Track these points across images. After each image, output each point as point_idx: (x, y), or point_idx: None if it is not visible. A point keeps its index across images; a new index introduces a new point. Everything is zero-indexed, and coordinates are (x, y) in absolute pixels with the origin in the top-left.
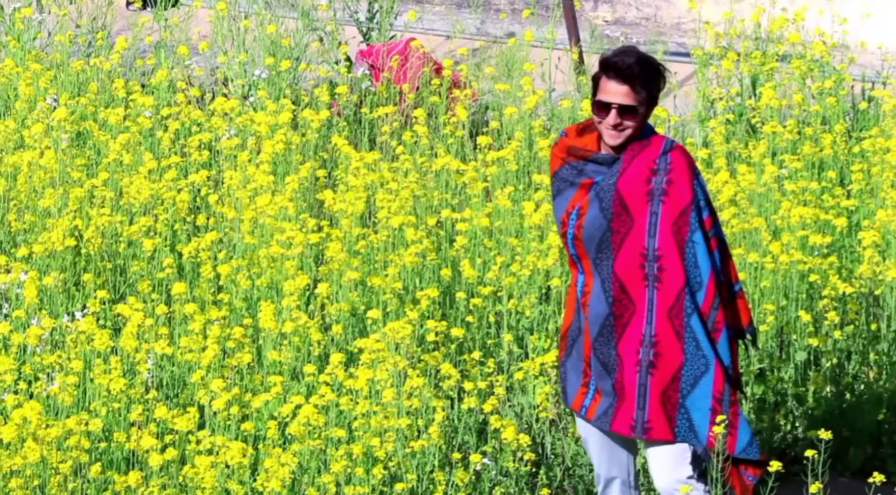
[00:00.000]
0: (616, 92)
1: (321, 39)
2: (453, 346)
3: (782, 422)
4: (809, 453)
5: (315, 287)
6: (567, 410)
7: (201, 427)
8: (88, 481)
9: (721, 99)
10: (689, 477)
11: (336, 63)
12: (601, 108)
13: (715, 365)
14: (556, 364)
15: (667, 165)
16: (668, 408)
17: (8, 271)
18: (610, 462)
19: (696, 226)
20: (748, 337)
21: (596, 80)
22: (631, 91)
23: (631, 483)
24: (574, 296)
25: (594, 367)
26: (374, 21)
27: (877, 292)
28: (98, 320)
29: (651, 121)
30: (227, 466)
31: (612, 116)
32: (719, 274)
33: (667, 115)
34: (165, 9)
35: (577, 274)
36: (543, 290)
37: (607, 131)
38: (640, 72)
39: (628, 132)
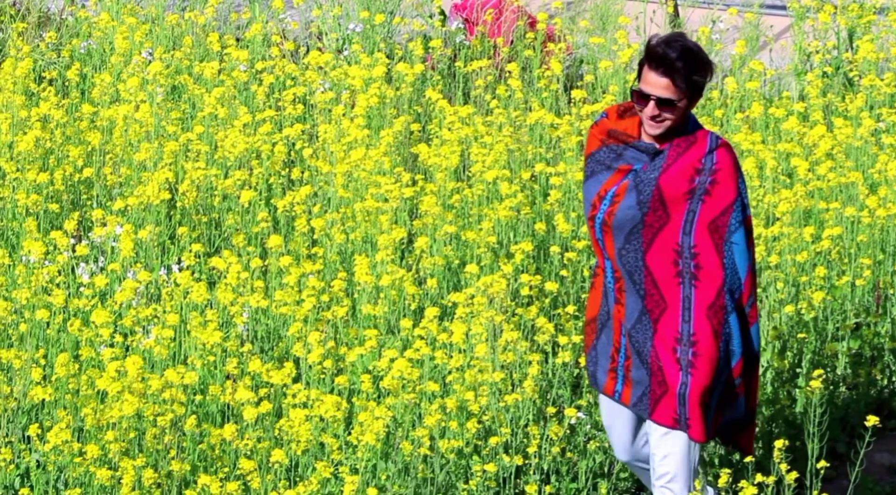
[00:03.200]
0: (656, 84)
1: None
2: (547, 300)
3: (878, 377)
4: None
5: (409, 241)
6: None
7: (296, 380)
8: (184, 434)
9: (818, 52)
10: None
11: (430, 17)
12: (641, 97)
13: (740, 358)
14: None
15: (712, 165)
16: (705, 411)
17: (104, 224)
18: (637, 447)
19: (736, 225)
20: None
21: (641, 66)
22: (671, 84)
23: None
24: (601, 281)
25: (632, 356)
26: None
27: None
28: (193, 274)
29: (747, 73)
30: (322, 419)
31: (651, 108)
32: (756, 272)
33: (763, 68)
34: None
35: (603, 260)
36: None
37: (647, 121)
38: (682, 66)
39: (667, 123)
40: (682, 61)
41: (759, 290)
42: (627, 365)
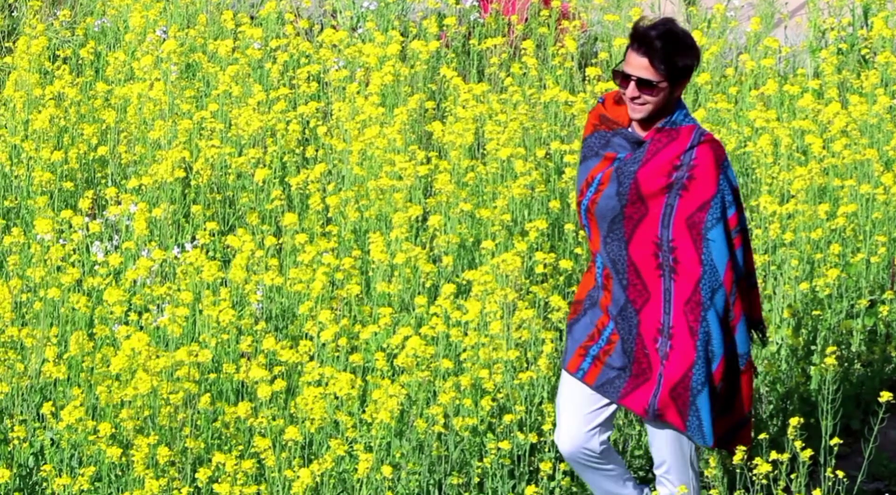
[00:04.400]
0: (636, 64)
1: None
2: (562, 278)
3: (893, 354)
4: None
5: (423, 219)
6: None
7: (310, 358)
8: (198, 412)
9: (832, 29)
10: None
11: None
12: (623, 78)
13: (721, 359)
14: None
15: (691, 161)
16: (680, 404)
17: (118, 203)
18: (582, 434)
19: (713, 222)
20: (759, 330)
21: (627, 49)
22: (650, 65)
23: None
24: (594, 267)
25: (615, 342)
26: None
27: None
28: (207, 252)
29: (762, 51)
30: (336, 397)
31: (631, 88)
32: (739, 270)
33: (777, 45)
34: None
35: (592, 249)
36: None
37: (629, 103)
38: (662, 47)
39: (648, 107)
40: (662, 41)
41: (773, 268)
42: (606, 349)
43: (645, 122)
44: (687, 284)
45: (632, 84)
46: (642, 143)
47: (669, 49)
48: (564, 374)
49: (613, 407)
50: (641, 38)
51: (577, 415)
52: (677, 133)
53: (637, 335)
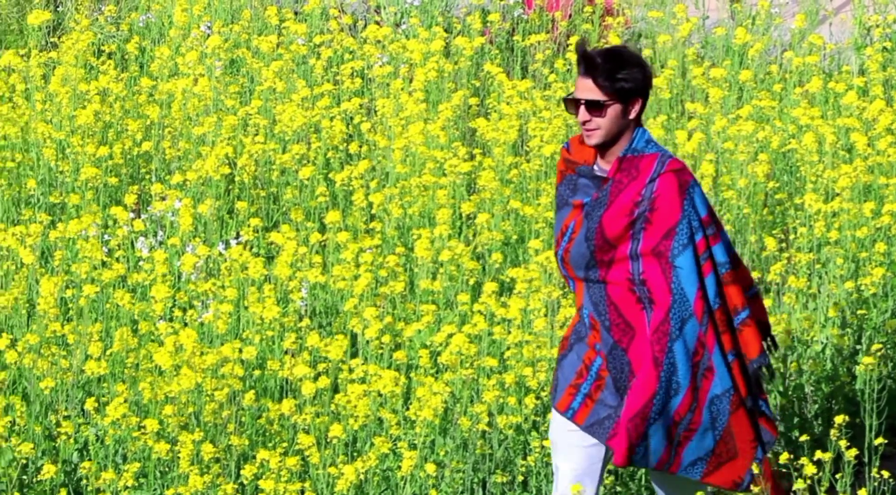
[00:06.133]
0: (582, 87)
1: None
2: None
3: None
4: None
5: (467, 216)
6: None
7: (354, 355)
8: (242, 408)
9: (877, 26)
10: None
11: None
12: (573, 105)
13: (686, 391)
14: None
15: (652, 194)
16: (633, 438)
17: (163, 198)
18: (583, 474)
19: (679, 249)
20: (760, 368)
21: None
22: (595, 85)
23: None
24: (581, 311)
25: (605, 378)
26: None
27: None
28: (251, 248)
29: (806, 47)
30: (380, 395)
31: (581, 113)
32: (708, 298)
33: (822, 42)
34: None
35: (577, 297)
36: None
37: (583, 132)
38: (602, 64)
39: (601, 132)
40: (603, 58)
41: (818, 266)
42: (597, 384)
43: (605, 151)
44: (658, 314)
45: (581, 108)
46: (607, 182)
47: (612, 66)
48: (555, 414)
49: (604, 453)
50: (584, 60)
51: (572, 460)
52: (638, 168)
53: (630, 373)
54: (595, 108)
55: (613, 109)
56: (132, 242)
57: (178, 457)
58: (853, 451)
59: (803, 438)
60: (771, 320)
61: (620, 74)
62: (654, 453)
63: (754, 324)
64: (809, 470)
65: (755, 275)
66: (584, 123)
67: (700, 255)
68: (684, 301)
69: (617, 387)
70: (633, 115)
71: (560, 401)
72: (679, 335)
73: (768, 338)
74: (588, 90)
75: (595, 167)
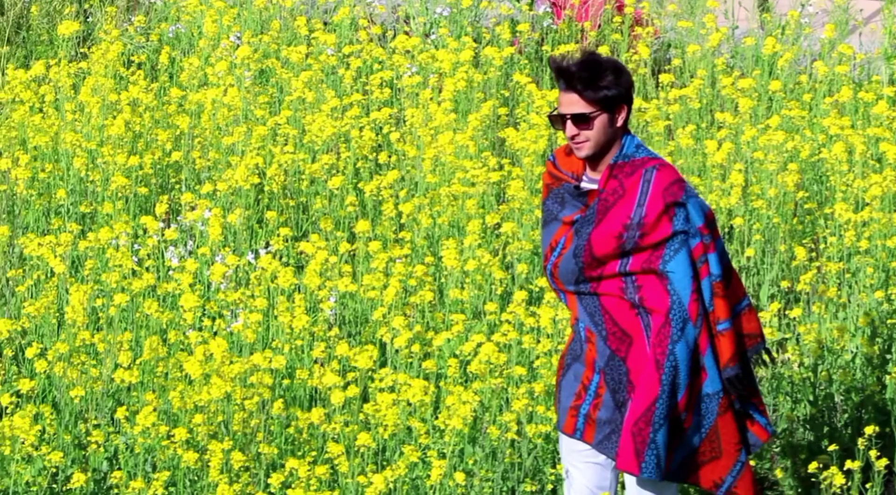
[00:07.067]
0: (566, 101)
1: None
2: None
3: None
4: None
5: (496, 226)
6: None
7: (383, 365)
8: (272, 417)
9: None
10: None
11: (517, 0)
12: (559, 121)
13: (685, 391)
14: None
15: (640, 219)
16: (639, 441)
17: (193, 208)
18: (597, 489)
19: (671, 254)
20: (731, 375)
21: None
22: (579, 98)
23: None
24: (576, 325)
25: (603, 394)
26: None
27: None
28: (281, 258)
29: (836, 57)
30: (409, 404)
31: (569, 128)
32: (703, 300)
33: (852, 52)
34: None
35: (571, 310)
36: (726, 230)
37: (572, 145)
38: (583, 74)
39: (590, 144)
40: (582, 69)
41: (848, 275)
42: (596, 403)
43: (595, 161)
44: (657, 319)
45: (568, 123)
46: (594, 197)
47: (591, 75)
48: (562, 436)
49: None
50: (563, 74)
51: (586, 477)
52: (624, 185)
53: (628, 383)
54: (582, 121)
55: (600, 120)
56: (162, 252)
57: (208, 466)
58: (883, 461)
59: (832, 447)
60: (801, 329)
61: (602, 82)
62: (663, 464)
63: (732, 335)
64: (839, 479)
65: (784, 284)
66: (572, 138)
67: (697, 259)
68: (680, 306)
69: (615, 402)
70: (620, 123)
71: (565, 425)
72: (681, 336)
73: (762, 351)
74: (573, 104)
75: (584, 178)
